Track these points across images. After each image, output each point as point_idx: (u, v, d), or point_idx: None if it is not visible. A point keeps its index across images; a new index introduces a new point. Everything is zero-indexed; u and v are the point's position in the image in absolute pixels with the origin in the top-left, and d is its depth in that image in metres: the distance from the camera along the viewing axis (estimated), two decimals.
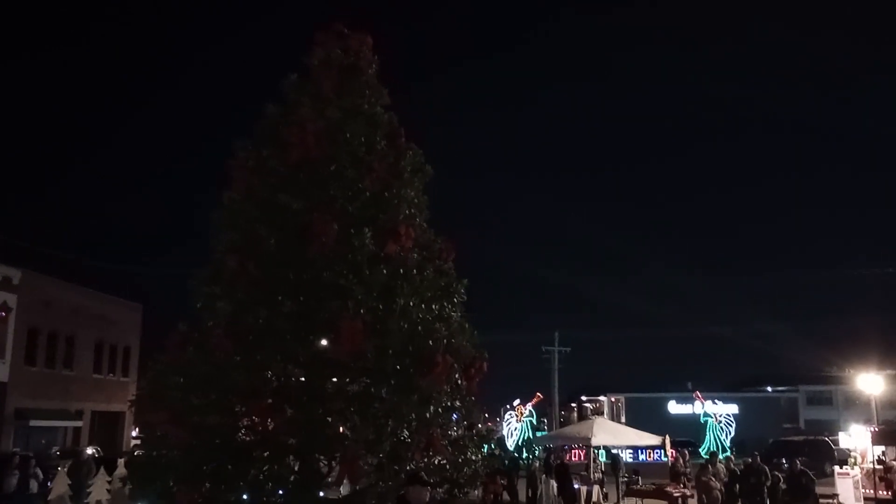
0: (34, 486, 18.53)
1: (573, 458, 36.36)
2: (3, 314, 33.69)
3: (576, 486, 23.03)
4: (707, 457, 29.40)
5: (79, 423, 39.16)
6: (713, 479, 16.15)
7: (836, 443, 34.01)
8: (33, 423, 34.93)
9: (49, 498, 17.20)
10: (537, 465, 25.08)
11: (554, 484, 21.33)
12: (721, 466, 17.43)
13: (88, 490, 17.49)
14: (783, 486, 17.54)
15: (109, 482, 17.57)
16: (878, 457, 22.63)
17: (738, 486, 18.22)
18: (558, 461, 23.60)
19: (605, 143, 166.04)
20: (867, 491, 21.72)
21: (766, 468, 18.49)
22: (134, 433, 39.26)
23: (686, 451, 25.88)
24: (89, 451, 31.87)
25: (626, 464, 27.55)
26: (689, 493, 20.72)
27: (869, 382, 34.44)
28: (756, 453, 19.78)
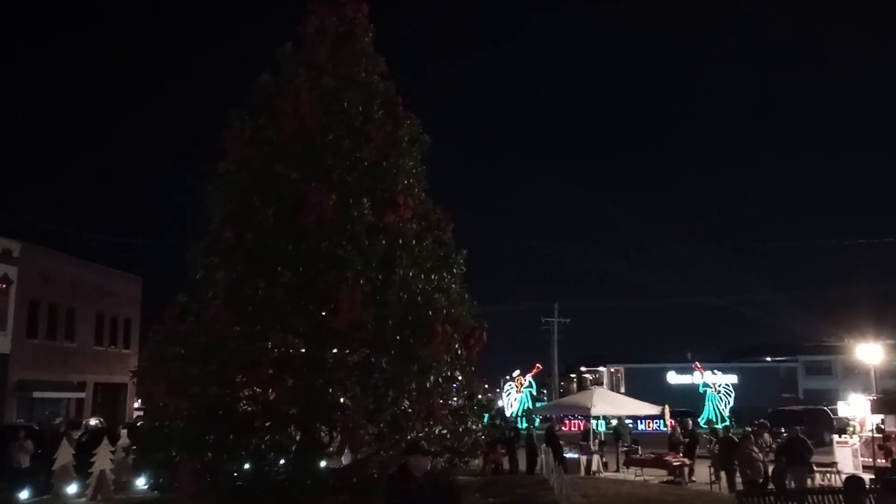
0: (25, 459, 17.86)
1: (571, 429, 36.74)
2: (4, 286, 33.71)
3: (574, 455, 23.23)
4: (705, 425, 29.53)
5: (81, 395, 39.38)
6: (756, 450, 15.66)
7: (834, 412, 34.21)
8: (36, 394, 35.10)
9: (53, 468, 17.32)
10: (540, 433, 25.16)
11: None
12: (767, 437, 16.87)
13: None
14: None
15: (113, 452, 17.68)
16: (877, 425, 22.75)
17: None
18: (555, 429, 23.76)
19: (608, 121, 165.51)
20: (866, 459, 21.85)
21: (768, 437, 18.59)
22: (136, 404, 39.60)
23: (689, 420, 25.94)
24: (93, 421, 32.12)
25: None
26: (688, 462, 20.85)
27: (868, 352, 34.56)
28: (757, 422, 19.84)
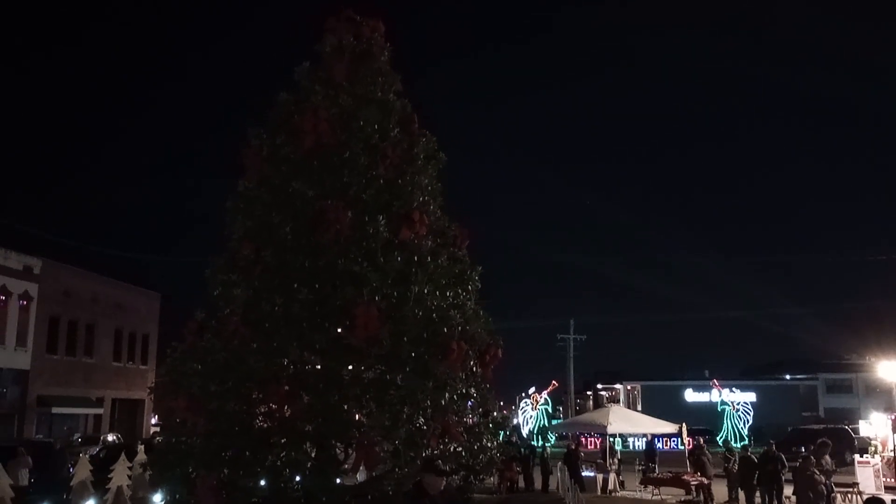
0: (24, 476, 17.49)
1: (588, 447, 36.51)
2: (24, 303, 34.10)
3: (591, 474, 23.04)
4: (721, 445, 29.19)
5: (99, 411, 39.69)
6: (818, 472, 15.07)
7: (856, 431, 33.76)
8: (55, 410, 35.44)
9: (71, 484, 17.42)
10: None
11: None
12: (828, 458, 16.22)
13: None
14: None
15: (130, 468, 17.77)
16: None
17: (756, 473, 18.15)
18: (571, 448, 23.58)
19: (622, 130, 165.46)
20: (888, 479, 21.54)
21: (783, 456, 18.36)
22: (154, 420, 39.82)
23: (699, 439, 25.66)
24: (110, 437, 32.30)
25: (638, 451, 27.59)
26: (706, 482, 20.62)
27: (890, 370, 34.04)
28: (772, 441, 19.66)
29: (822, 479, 14.91)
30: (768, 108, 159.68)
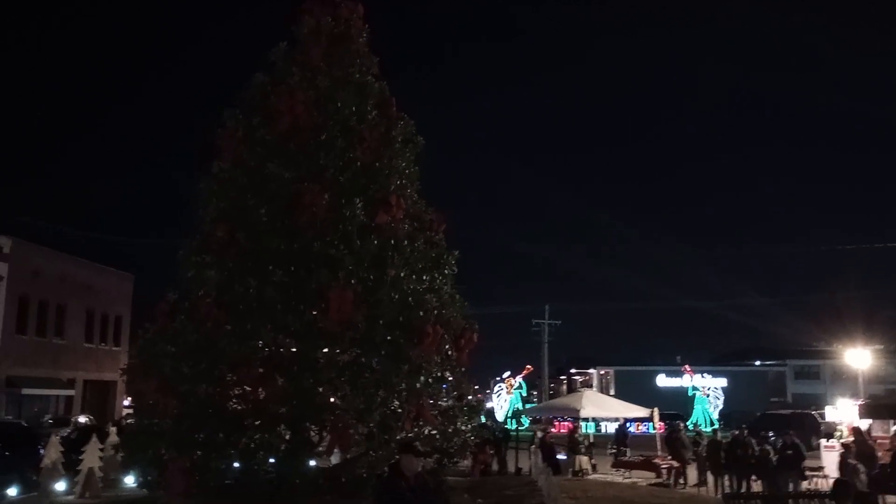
0: None
1: (561, 430, 36.89)
2: None
3: (564, 457, 23.27)
4: (692, 430, 29.60)
5: (71, 392, 39.21)
6: (856, 461, 15.21)
7: (822, 416, 34.47)
8: (25, 391, 34.93)
9: (41, 465, 17.23)
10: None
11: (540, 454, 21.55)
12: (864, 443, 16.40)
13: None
14: (773, 458, 17.66)
15: (101, 450, 17.61)
16: (866, 430, 22.91)
17: (724, 457, 18.45)
18: (544, 433, 23.78)
19: (594, 123, 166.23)
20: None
21: (753, 440, 18.69)
22: (126, 402, 39.46)
23: (680, 424, 25.94)
24: (82, 419, 31.99)
25: (610, 435, 27.93)
26: (676, 465, 20.90)
27: (856, 357, 34.80)
28: (744, 426, 19.98)
29: (863, 468, 15.10)
30: (734, 101, 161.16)
